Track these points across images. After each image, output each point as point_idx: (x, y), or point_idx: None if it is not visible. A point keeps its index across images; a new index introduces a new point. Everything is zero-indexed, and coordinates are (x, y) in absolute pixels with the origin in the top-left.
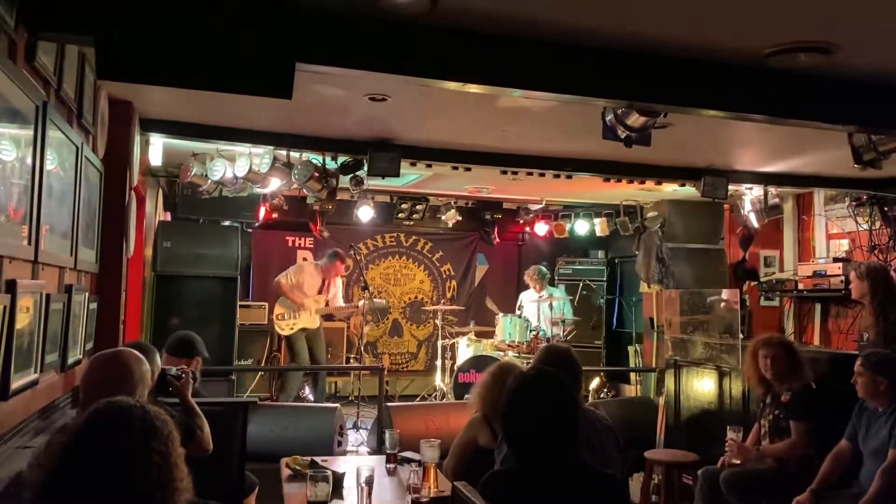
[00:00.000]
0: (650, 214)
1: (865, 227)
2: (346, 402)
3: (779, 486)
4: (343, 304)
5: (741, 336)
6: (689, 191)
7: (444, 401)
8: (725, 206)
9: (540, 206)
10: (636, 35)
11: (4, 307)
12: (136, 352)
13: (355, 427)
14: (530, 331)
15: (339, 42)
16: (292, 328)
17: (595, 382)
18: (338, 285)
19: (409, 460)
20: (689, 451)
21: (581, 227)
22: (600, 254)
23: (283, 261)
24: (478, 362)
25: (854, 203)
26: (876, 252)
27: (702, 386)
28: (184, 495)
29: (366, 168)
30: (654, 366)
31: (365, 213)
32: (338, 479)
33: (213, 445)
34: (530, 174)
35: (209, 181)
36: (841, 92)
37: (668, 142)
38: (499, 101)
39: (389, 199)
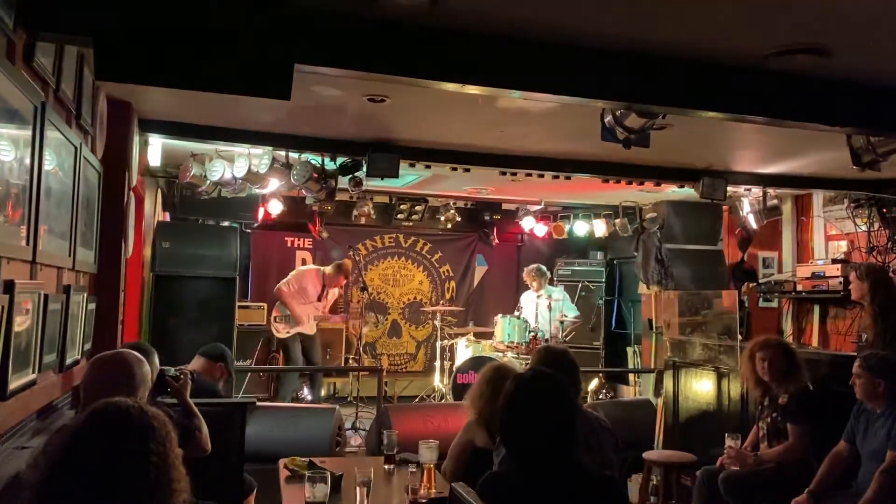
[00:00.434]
0: (649, 215)
1: (864, 228)
2: (345, 402)
3: (777, 487)
4: (330, 314)
5: (740, 337)
6: (687, 192)
7: (443, 402)
8: (724, 207)
9: (539, 207)
10: (635, 37)
11: (2, 307)
12: (137, 353)
13: (354, 428)
14: (529, 332)
15: (337, 43)
16: (289, 332)
17: (594, 383)
18: (333, 293)
19: (407, 461)
20: (687, 452)
21: (580, 228)
22: (599, 255)
23: (281, 261)
24: (477, 363)
25: (853, 204)
26: (874, 253)
27: (700, 387)
28: (182, 496)
29: (365, 169)
30: (652, 367)
31: (363, 214)
32: (336, 480)
33: (212, 446)
34: (529, 175)
35: (208, 182)
36: (839, 94)
37: (666, 143)
38: (498, 101)
39: (388, 200)
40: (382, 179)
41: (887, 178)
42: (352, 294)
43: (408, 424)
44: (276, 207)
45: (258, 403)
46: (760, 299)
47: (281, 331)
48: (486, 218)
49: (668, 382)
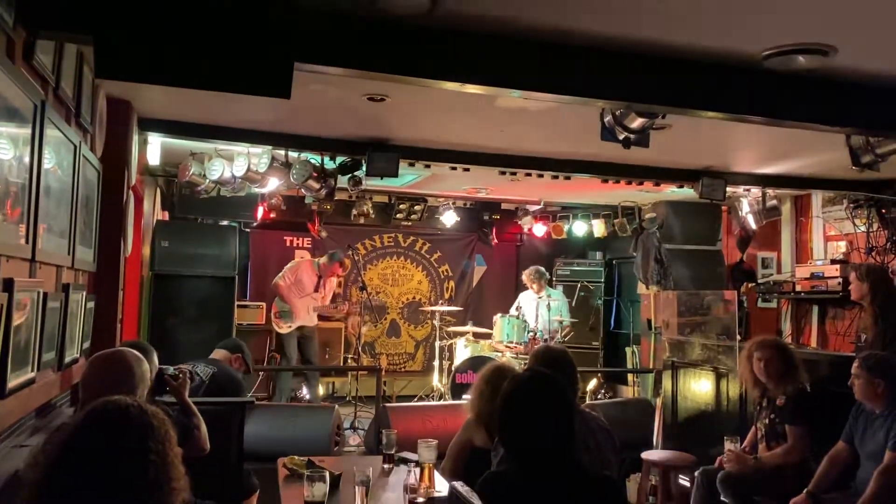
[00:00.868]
0: (648, 216)
1: (863, 229)
2: (344, 402)
3: (776, 487)
4: (328, 304)
5: (738, 337)
6: (687, 192)
7: (442, 401)
8: (723, 207)
9: (538, 207)
10: (635, 37)
11: (1, 305)
12: (136, 351)
13: (352, 427)
14: (528, 332)
15: (338, 42)
16: (290, 327)
17: (592, 383)
18: (332, 284)
19: (406, 461)
20: (686, 452)
21: (579, 228)
22: (598, 255)
23: (280, 261)
24: (475, 363)
25: (852, 205)
26: (873, 254)
27: (699, 387)
28: (181, 495)
29: (364, 168)
30: (651, 367)
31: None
32: (335, 480)
33: (211, 445)
34: (529, 175)
35: (207, 181)
36: (839, 94)
37: (666, 143)
38: (497, 101)
39: (388, 200)
40: (382, 179)
41: (886, 178)
42: (351, 293)
43: (406, 424)
44: (274, 207)
45: (257, 403)
46: (759, 299)
47: (282, 327)
48: (486, 218)
49: (666, 382)
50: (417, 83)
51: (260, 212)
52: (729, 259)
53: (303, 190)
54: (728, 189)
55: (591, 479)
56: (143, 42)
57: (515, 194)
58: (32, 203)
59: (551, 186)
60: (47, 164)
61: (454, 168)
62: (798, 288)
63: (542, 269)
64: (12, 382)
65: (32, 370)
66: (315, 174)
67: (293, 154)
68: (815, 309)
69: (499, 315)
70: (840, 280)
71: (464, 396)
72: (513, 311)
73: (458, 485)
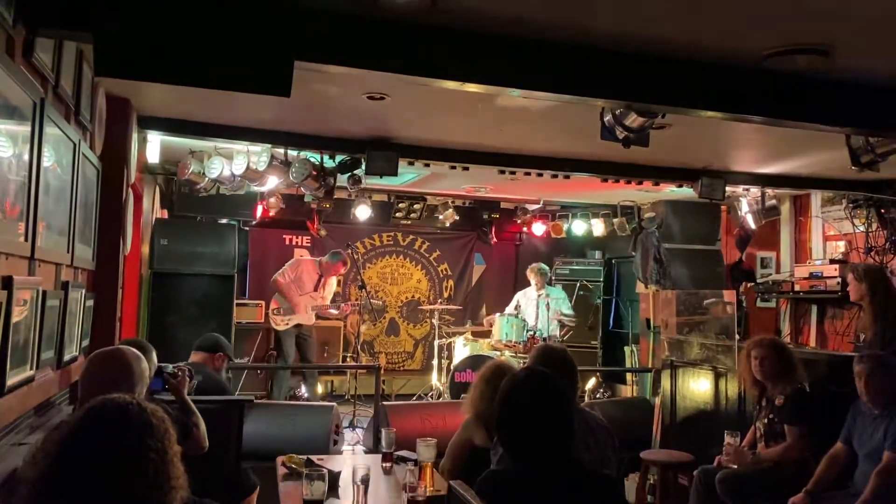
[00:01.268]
0: (647, 215)
1: (862, 229)
2: (343, 400)
3: (774, 486)
4: (328, 304)
5: (737, 337)
6: (686, 191)
7: (441, 400)
8: (723, 207)
9: (538, 206)
10: (635, 36)
11: (0, 303)
12: (135, 349)
13: (351, 426)
14: (527, 331)
15: (337, 40)
16: (287, 323)
17: (591, 383)
18: (331, 284)
19: (405, 459)
20: (684, 451)
21: (578, 227)
22: (597, 254)
23: (279, 259)
24: (474, 362)
25: (851, 205)
26: (872, 254)
27: (698, 387)
28: (180, 493)
29: (364, 167)
30: (650, 366)
31: (362, 212)
32: (334, 478)
33: (209, 443)
34: (528, 174)
35: (206, 179)
36: (839, 94)
37: (665, 143)
38: (497, 100)
39: (387, 198)
40: (381, 178)
41: (886, 178)
42: (350, 292)
43: (405, 422)
44: (274, 205)
45: (256, 401)
46: (758, 299)
47: (280, 323)
48: (485, 217)
49: (665, 382)
50: (417, 82)
51: (259, 210)
52: (728, 259)
53: (302, 188)
54: (727, 188)
55: (590, 477)
56: (143, 40)
57: (515, 193)
58: (32, 201)
59: (551, 185)
60: (47, 161)
61: (454, 167)
62: (797, 288)
63: (546, 267)
64: (11, 380)
65: (31, 368)
66: (314, 173)
67: (292, 152)
68: (814, 309)
69: (497, 314)
70: (839, 280)
71: (462, 396)
72: (511, 309)
73: (458, 484)
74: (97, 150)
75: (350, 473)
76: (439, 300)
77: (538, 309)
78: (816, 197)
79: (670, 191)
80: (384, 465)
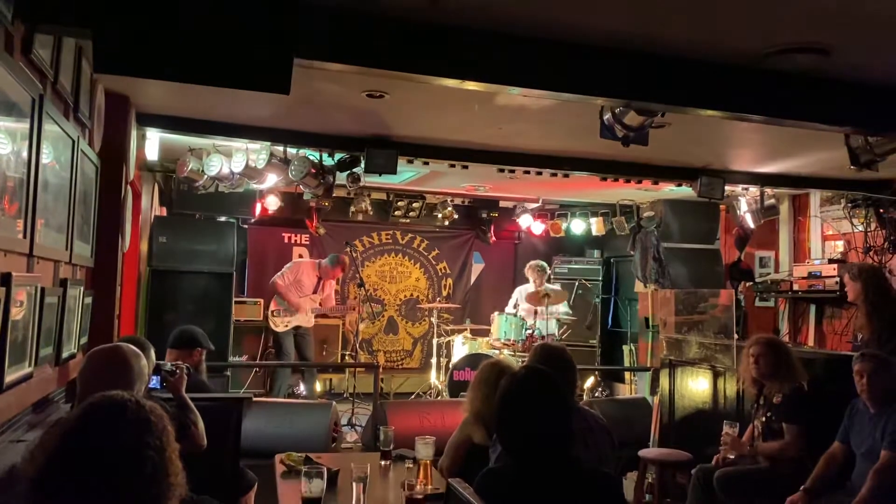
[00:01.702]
0: (646, 214)
1: (861, 228)
2: (341, 398)
3: (772, 485)
4: (335, 304)
5: (736, 336)
6: (685, 191)
7: (439, 398)
8: (722, 206)
9: (536, 205)
10: (635, 34)
11: None
12: (134, 347)
13: (350, 424)
14: (526, 329)
15: (337, 38)
16: (287, 325)
17: (590, 381)
18: (332, 285)
19: (403, 457)
20: (682, 450)
21: (577, 226)
22: (596, 253)
23: (278, 257)
24: (473, 360)
25: (850, 205)
26: (871, 253)
27: (696, 386)
28: (178, 491)
29: (363, 165)
30: (648, 365)
31: (361, 210)
32: (332, 476)
33: (208, 441)
34: (527, 172)
35: (205, 176)
36: (838, 93)
37: (665, 142)
38: (497, 98)
39: (386, 197)
40: (380, 176)
41: (884, 178)
42: (349, 290)
43: (404, 421)
44: (273, 203)
45: (254, 399)
46: (757, 298)
47: (279, 325)
48: (484, 215)
49: (663, 381)
50: (417, 80)
51: (258, 208)
52: (727, 258)
53: (301, 186)
54: (726, 188)
55: (589, 475)
56: (142, 37)
57: (514, 192)
58: (30, 198)
59: (550, 184)
60: (45, 158)
61: (453, 165)
62: (795, 287)
63: (545, 264)
64: (9, 377)
65: (30, 365)
66: (313, 171)
67: (292, 150)
68: (813, 308)
69: (496, 312)
70: (837, 279)
71: (461, 394)
72: (510, 307)
73: (456, 482)
74: (96, 147)
75: (349, 472)
76: (438, 299)
77: (536, 308)
78: (815, 196)
79: (669, 190)
80: (383, 463)
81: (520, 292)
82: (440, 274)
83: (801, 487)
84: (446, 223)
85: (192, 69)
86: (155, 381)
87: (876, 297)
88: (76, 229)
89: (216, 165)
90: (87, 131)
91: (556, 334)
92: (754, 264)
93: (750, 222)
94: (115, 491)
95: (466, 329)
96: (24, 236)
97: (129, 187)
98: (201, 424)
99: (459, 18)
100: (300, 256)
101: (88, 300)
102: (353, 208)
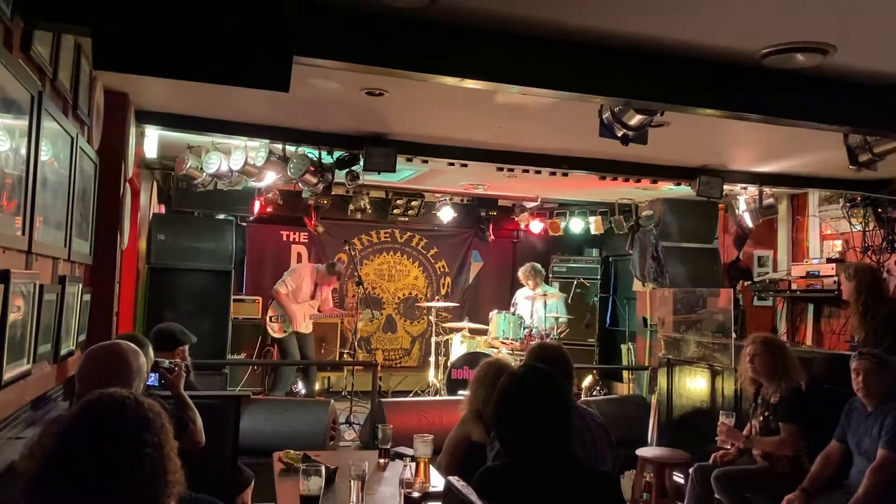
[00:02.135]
0: (645, 213)
1: (859, 228)
2: (339, 397)
3: (769, 484)
4: (334, 308)
5: (734, 335)
6: (684, 190)
7: (437, 397)
8: (720, 205)
9: (535, 204)
10: (634, 33)
11: None
12: (133, 344)
13: (348, 422)
14: (524, 328)
15: (336, 36)
16: (285, 332)
17: (588, 380)
18: (329, 290)
19: (401, 455)
20: (680, 449)
21: (576, 225)
22: (595, 252)
23: (277, 255)
24: (471, 359)
25: (848, 204)
26: (869, 253)
27: (694, 385)
28: (176, 488)
29: (362, 163)
30: (646, 364)
31: (360, 208)
32: (330, 474)
33: (206, 439)
34: (526, 171)
35: (204, 174)
36: (837, 93)
37: (664, 141)
38: (496, 97)
39: (384, 195)
40: (379, 174)
41: (883, 178)
42: (347, 289)
43: (402, 419)
44: (272, 201)
45: (252, 397)
46: (755, 298)
47: (277, 331)
48: (483, 214)
49: (661, 380)
50: (416, 78)
51: (257, 206)
52: (725, 257)
53: (300, 184)
54: (725, 187)
55: (587, 474)
56: (141, 33)
57: (513, 191)
58: (29, 195)
59: (549, 183)
60: (44, 155)
61: (452, 164)
62: (794, 286)
63: (538, 265)
64: (8, 374)
65: (28, 362)
66: (312, 168)
67: (291, 148)
68: (811, 307)
69: (495, 311)
70: (836, 279)
71: (459, 393)
72: (511, 309)
73: (455, 479)
74: (95, 144)
75: (347, 469)
76: (436, 297)
77: (533, 306)
78: (814, 196)
79: (668, 189)
80: (381, 461)
81: (516, 296)
82: (439, 272)
83: (799, 486)
84: (445, 222)
85: (192, 66)
86: (153, 379)
87: (868, 297)
88: (75, 226)
89: (215, 163)
90: (86, 128)
91: (555, 333)
92: (753, 263)
93: (748, 221)
94: (114, 488)
95: (465, 328)
96: (23, 233)
97: (127, 185)
98: (200, 422)
99: (459, 16)
100: (298, 255)
101: (87, 297)
102: (351, 206)
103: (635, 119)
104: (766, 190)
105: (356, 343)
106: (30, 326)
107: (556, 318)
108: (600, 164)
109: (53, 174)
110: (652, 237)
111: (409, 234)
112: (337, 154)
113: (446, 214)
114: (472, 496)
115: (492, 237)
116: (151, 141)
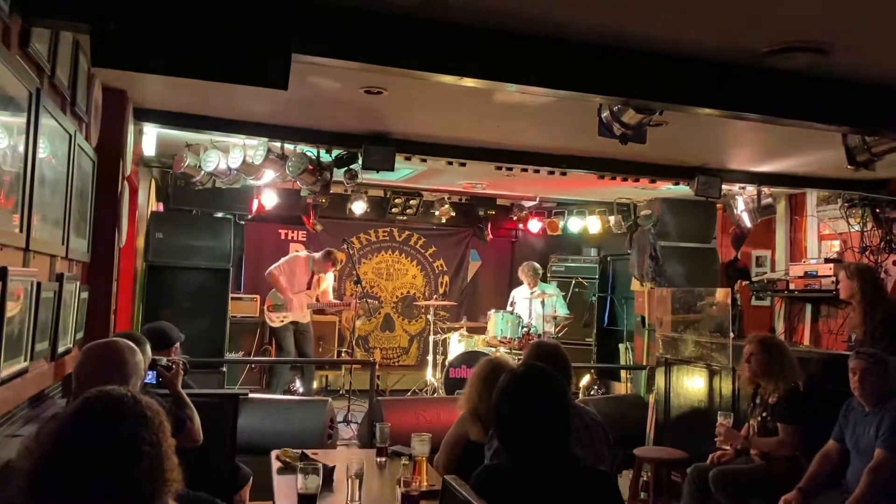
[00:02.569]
0: (643, 212)
1: (857, 228)
2: (337, 395)
3: (767, 484)
4: (333, 300)
5: (732, 335)
6: (682, 189)
7: (435, 396)
8: (718, 205)
9: (534, 203)
10: (633, 32)
11: None
12: (130, 342)
13: (346, 421)
14: (522, 327)
15: (335, 34)
16: (283, 320)
17: (585, 379)
18: (328, 280)
19: (399, 454)
20: (678, 448)
21: (574, 224)
22: (593, 251)
23: (275, 254)
24: (469, 358)
25: (846, 204)
26: (867, 253)
27: (692, 384)
28: (174, 486)
29: (360, 161)
30: (644, 363)
31: (358, 207)
32: (328, 472)
33: (203, 437)
34: (525, 170)
35: (202, 172)
36: (836, 93)
37: (662, 140)
38: (494, 96)
39: (383, 194)
40: (378, 173)
41: (881, 178)
42: (345, 287)
43: (400, 418)
44: (270, 199)
45: (250, 395)
46: (753, 297)
47: (274, 320)
48: (481, 213)
49: (659, 379)
50: (415, 76)
51: (255, 204)
52: (723, 257)
53: (298, 183)
54: (723, 187)
55: (585, 473)
56: (140, 31)
57: (511, 190)
58: (27, 192)
59: (547, 182)
60: (42, 153)
61: (450, 163)
62: (792, 286)
63: (537, 264)
64: (5, 372)
65: (25, 360)
66: (311, 167)
67: (289, 146)
68: (809, 307)
69: (493, 310)
70: (833, 279)
71: (457, 392)
72: (508, 308)
73: (452, 479)
74: (93, 141)
75: (344, 468)
76: (435, 296)
77: (531, 305)
78: (812, 196)
79: (667, 188)
80: (379, 459)
81: (514, 295)
82: (437, 271)
83: (796, 486)
84: (443, 221)
85: (190, 64)
86: (151, 377)
87: (872, 296)
88: (73, 224)
89: (213, 161)
90: (84, 126)
91: (553, 332)
92: (751, 263)
93: (747, 221)
94: (112, 486)
95: (463, 326)
96: (21, 231)
97: (125, 182)
98: (197, 420)
99: (458, 14)
100: (297, 251)
101: (84, 295)
102: (350, 205)
103: (634, 118)
104: (765, 190)
105: (354, 342)
106: (27, 324)
107: (555, 318)
108: (599, 164)
109: (51, 171)
110: (650, 237)
111: (407, 232)
112: (335, 153)
113: (444, 213)
114: (470, 496)
115: (490, 236)
116: (150, 138)
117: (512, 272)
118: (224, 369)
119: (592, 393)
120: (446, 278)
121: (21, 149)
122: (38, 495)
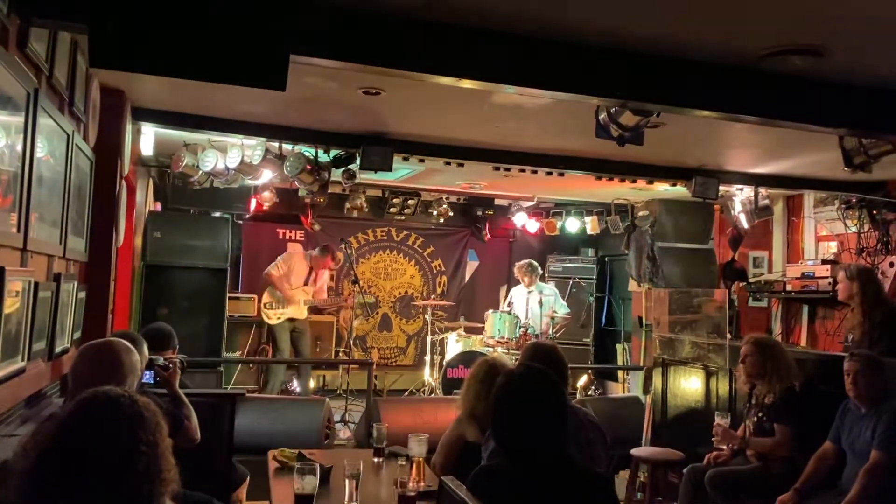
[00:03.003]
0: (641, 213)
1: (854, 229)
2: (335, 395)
3: (763, 485)
4: (327, 297)
5: (729, 336)
6: (680, 190)
7: (433, 396)
8: (716, 206)
9: (531, 203)
10: (631, 34)
11: None
12: (126, 342)
13: (343, 421)
14: (519, 327)
15: (333, 35)
16: (279, 318)
17: (583, 380)
18: (324, 278)
19: (396, 455)
20: (675, 449)
21: (572, 224)
22: (590, 252)
23: (273, 253)
24: (467, 358)
25: (843, 206)
26: (864, 255)
27: (689, 385)
28: (171, 486)
29: (358, 161)
30: (641, 364)
31: (443, 213)
32: (325, 473)
33: (201, 436)
34: (523, 171)
35: (200, 172)
36: (833, 95)
37: (660, 141)
38: (493, 97)
39: (381, 194)
40: (375, 173)
41: (878, 179)
42: (343, 287)
43: (397, 418)
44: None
45: (247, 395)
46: (750, 298)
47: (272, 317)
48: (479, 213)
49: (656, 380)
50: (413, 77)
51: (253, 204)
52: (720, 258)
53: (296, 182)
54: (721, 188)
55: (582, 474)
56: (138, 31)
57: (509, 190)
58: (24, 192)
59: (545, 183)
60: (40, 152)
61: (448, 163)
62: (788, 287)
63: (535, 263)
64: (2, 371)
65: (22, 360)
66: (309, 167)
67: (287, 146)
68: (805, 309)
69: (491, 310)
70: (830, 280)
71: (454, 392)
72: (504, 307)
73: (449, 479)
74: (91, 141)
75: (341, 468)
76: (432, 296)
77: (528, 305)
78: (809, 197)
79: (664, 189)
80: (376, 460)
81: (512, 294)
82: (435, 271)
83: (792, 487)
84: (441, 220)
85: (188, 65)
86: (148, 376)
87: (871, 298)
88: (70, 224)
89: (211, 161)
90: (82, 126)
91: (550, 332)
92: (748, 264)
93: (744, 222)
94: (108, 486)
95: (460, 326)
96: (18, 230)
97: (123, 182)
98: (195, 419)
99: (456, 16)
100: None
101: (82, 295)
102: (348, 205)
103: (631, 120)
104: (762, 191)
105: (352, 341)
106: (24, 323)
107: (552, 318)
108: (596, 165)
109: (49, 171)
110: (648, 237)
111: (405, 232)
112: (333, 153)
113: (443, 213)
114: (467, 496)
115: (488, 236)
116: (147, 138)
117: (510, 272)
118: (221, 369)
119: (590, 393)
120: (444, 278)
121: (19, 148)
122: (35, 496)
